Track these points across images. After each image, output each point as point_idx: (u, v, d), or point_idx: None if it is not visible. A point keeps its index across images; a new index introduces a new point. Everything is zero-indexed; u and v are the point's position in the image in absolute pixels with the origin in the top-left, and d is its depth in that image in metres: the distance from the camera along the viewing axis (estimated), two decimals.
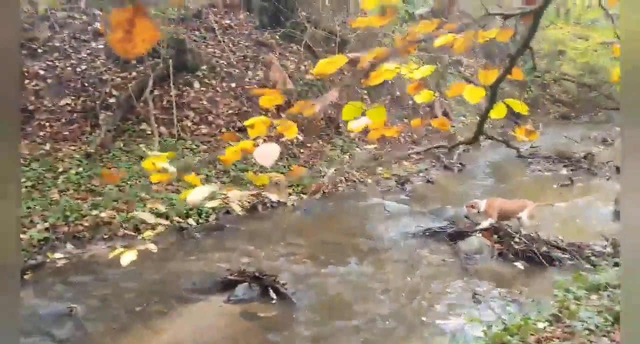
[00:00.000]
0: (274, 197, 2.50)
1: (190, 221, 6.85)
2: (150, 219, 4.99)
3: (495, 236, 6.41)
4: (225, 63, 10.66)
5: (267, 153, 1.97)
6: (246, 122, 2.15)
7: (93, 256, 6.15)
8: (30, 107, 8.29)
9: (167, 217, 6.82)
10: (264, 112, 9.77)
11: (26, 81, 8.59)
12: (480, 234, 6.48)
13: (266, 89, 2.33)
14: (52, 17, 9.97)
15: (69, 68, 9.19)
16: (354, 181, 9.55)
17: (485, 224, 6.60)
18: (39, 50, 9.24)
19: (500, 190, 9.23)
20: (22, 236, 5.95)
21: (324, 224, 7.60)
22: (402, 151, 10.95)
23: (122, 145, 8.29)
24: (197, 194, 2.04)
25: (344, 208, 8.32)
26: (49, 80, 8.84)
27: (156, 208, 5.96)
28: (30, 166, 7.25)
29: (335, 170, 9.05)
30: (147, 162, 2.05)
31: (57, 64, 9.17)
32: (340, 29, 10.67)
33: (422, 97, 2.57)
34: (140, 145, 8.41)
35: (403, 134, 11.96)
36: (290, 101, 8.47)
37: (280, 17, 11.36)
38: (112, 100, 8.83)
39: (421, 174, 10.43)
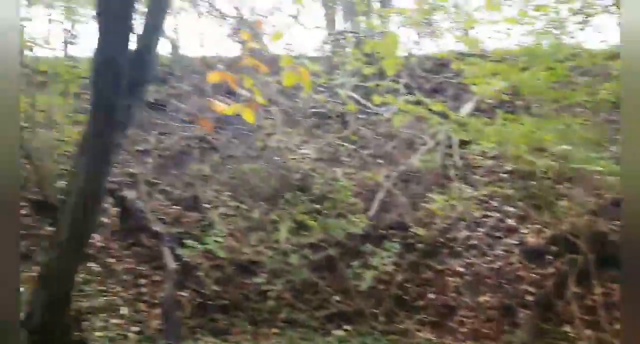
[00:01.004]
0: None
1: None
2: None
3: None
4: None
5: None
6: None
7: None
8: (452, 304, 8.64)
9: None
10: None
11: (449, 279, 9.17)
12: None
13: None
14: (467, 216, 10.77)
15: (484, 265, 9.43)
16: None
17: None
18: (458, 249, 9.90)
19: None
20: None
21: None
22: None
23: None
24: None
25: None
26: (467, 277, 9.20)
27: None
28: None
29: None
30: None
31: (474, 261, 9.56)
32: None
33: None
34: None
35: None
36: None
37: None
38: (529, 298, 8.45)
39: None
